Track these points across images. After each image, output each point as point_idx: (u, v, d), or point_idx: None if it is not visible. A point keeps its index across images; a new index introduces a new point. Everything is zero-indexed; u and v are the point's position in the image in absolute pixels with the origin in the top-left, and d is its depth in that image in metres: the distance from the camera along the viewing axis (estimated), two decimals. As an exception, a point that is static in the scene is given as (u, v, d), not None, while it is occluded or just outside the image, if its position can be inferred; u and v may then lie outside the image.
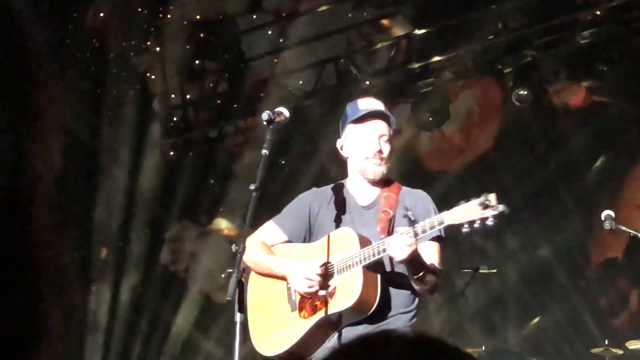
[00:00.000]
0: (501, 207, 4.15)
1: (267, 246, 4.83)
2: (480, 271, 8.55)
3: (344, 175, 4.91)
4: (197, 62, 11.13)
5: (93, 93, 10.68)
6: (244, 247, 4.39)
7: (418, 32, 9.75)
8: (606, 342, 7.72)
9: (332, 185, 4.93)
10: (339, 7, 10.30)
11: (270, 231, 4.88)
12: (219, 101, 11.06)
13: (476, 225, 4.20)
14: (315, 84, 10.29)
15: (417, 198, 4.78)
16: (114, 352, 10.57)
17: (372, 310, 4.50)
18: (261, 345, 4.80)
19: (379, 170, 4.70)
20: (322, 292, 4.58)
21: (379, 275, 4.57)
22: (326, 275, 4.60)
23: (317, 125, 9.97)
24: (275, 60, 10.66)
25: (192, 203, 10.99)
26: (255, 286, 4.87)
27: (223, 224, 11.04)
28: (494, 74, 9.85)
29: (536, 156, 9.34)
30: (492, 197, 4.18)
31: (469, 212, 4.21)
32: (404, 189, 4.82)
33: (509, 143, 9.80)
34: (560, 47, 9.16)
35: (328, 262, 4.64)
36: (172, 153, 11.21)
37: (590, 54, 9.05)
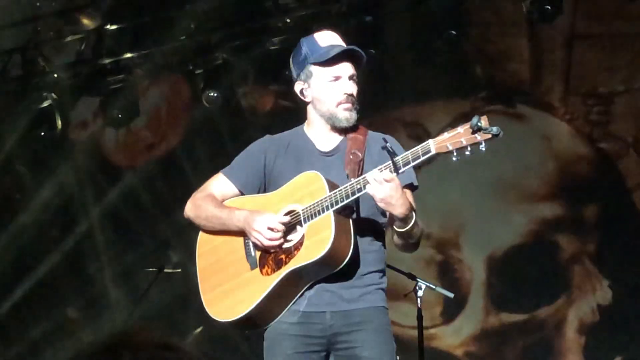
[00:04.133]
0: (495, 130, 3.67)
1: (217, 199, 4.24)
2: (165, 271, 8.58)
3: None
4: None
5: None
6: None
7: (110, 27, 9.58)
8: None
9: (287, 132, 4.41)
10: (25, -5, 9.91)
11: (219, 184, 4.29)
12: None
13: (467, 152, 3.74)
14: (0, 73, 9.85)
15: (390, 141, 4.17)
16: None
17: (344, 263, 3.95)
18: (216, 311, 4.15)
19: (351, 116, 4.22)
20: (287, 244, 4.02)
21: (351, 221, 4.01)
22: (291, 224, 4.05)
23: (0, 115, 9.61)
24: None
25: None
26: (205, 247, 4.28)
27: None
28: (185, 74, 9.88)
29: (225, 156, 9.43)
30: (484, 120, 3.70)
31: (459, 137, 3.74)
32: (371, 133, 4.32)
33: (198, 142, 9.87)
34: (251, 51, 9.32)
35: (293, 211, 4.06)
36: None
37: (279, 60, 9.28)
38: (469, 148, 3.73)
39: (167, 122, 10.29)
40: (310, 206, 4.00)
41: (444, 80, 9.26)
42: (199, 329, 9.48)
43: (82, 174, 10.02)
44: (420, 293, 6.57)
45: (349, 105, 4.21)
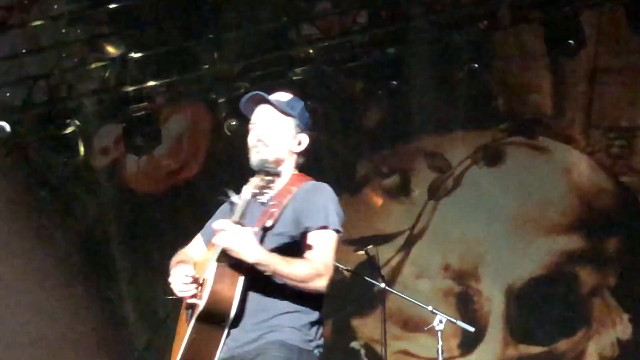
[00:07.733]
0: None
1: (182, 254, 4.34)
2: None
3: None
4: None
5: None
6: None
7: (134, 55, 9.66)
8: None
9: None
10: (52, 22, 9.99)
11: (193, 241, 4.43)
12: None
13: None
14: (25, 99, 9.92)
15: (310, 189, 4.12)
16: None
17: (232, 314, 3.90)
18: None
19: (257, 157, 4.14)
20: (195, 299, 4.00)
21: (237, 272, 3.92)
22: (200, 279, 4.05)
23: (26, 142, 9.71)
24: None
25: None
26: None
27: None
28: (207, 103, 9.94)
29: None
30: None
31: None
32: (310, 183, 4.20)
33: (219, 171, 9.91)
34: (273, 81, 9.36)
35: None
36: None
37: (301, 90, 9.31)
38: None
39: (188, 150, 10.34)
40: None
41: (465, 112, 9.28)
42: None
43: (103, 200, 10.09)
44: (440, 327, 6.45)
45: (257, 148, 4.17)
